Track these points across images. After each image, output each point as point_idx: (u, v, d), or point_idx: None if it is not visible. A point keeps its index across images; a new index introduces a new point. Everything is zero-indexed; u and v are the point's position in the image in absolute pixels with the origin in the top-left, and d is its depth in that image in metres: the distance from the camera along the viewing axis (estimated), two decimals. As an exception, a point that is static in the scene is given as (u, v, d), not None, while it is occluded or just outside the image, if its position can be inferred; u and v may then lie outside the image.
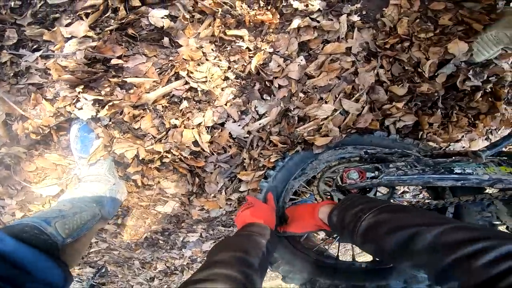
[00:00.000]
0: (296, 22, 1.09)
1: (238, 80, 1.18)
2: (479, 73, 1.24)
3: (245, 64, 1.16)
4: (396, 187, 1.05)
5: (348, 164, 1.15)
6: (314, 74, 1.17)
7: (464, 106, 1.32)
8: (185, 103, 1.16)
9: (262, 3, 1.08)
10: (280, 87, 1.18)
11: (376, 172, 1.03)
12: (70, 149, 1.18)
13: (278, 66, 1.15)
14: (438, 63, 1.21)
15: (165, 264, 1.75)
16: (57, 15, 1.04)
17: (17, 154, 1.24)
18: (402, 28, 1.16)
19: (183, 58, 1.10)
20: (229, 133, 1.22)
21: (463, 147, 1.46)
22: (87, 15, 1.02)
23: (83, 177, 1.15)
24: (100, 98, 1.06)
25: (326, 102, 1.20)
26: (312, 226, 0.99)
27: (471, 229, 0.50)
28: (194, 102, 1.18)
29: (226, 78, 1.17)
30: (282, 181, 1.22)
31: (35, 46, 1.07)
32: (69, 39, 1.03)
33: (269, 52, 1.14)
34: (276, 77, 1.17)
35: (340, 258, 1.12)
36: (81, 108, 1.07)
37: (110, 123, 1.14)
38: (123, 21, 1.02)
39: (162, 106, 1.16)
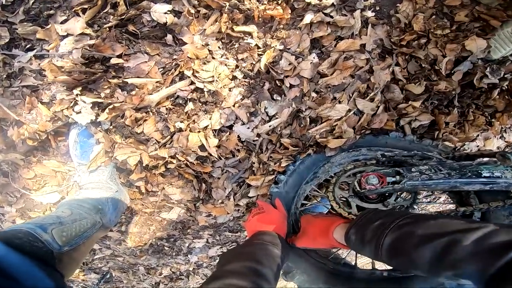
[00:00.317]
0: (308, 17, 0.98)
1: (246, 80, 1.06)
2: (496, 70, 1.15)
3: (254, 62, 1.04)
4: (419, 193, 0.94)
5: (364, 167, 1.03)
6: (327, 73, 1.06)
7: (481, 105, 1.21)
8: (190, 105, 1.04)
9: (272, -3, 0.96)
10: (291, 86, 1.06)
11: (398, 177, 0.92)
12: (69, 155, 1.06)
13: (290, 64, 1.03)
14: (455, 60, 1.11)
15: (170, 270, 1.63)
16: (52, 11, 0.92)
17: (14, 161, 1.12)
18: (418, 25, 1.06)
19: (187, 57, 0.98)
20: (238, 136, 1.10)
21: (478, 146, 1.35)
22: (84, 11, 0.90)
23: (84, 185, 1.04)
24: (100, 100, 0.94)
25: (339, 102, 1.08)
26: (325, 245, 0.90)
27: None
28: (200, 104, 1.06)
29: (234, 78, 1.05)
30: (294, 186, 1.11)
31: (28, 46, 0.96)
32: (64, 37, 0.91)
33: (280, 50, 1.02)
34: (287, 76, 1.05)
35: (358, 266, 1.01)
36: (80, 112, 0.95)
37: (111, 127, 1.02)
38: (123, 17, 0.90)
39: (166, 109, 1.04)
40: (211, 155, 1.10)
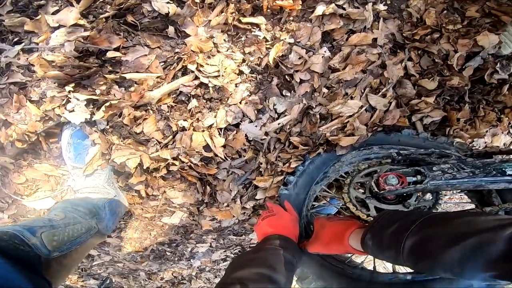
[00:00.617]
0: (320, 9, 0.88)
1: (253, 75, 0.95)
2: (506, 65, 1.10)
3: (262, 56, 0.93)
4: (441, 193, 0.85)
5: (380, 167, 0.94)
6: (339, 67, 0.96)
7: (491, 100, 1.15)
8: (194, 102, 0.93)
9: (282, -15, 0.86)
10: (301, 81, 0.96)
11: (419, 177, 0.83)
12: (62, 157, 0.93)
13: (300, 58, 0.93)
14: (466, 56, 1.04)
15: (172, 274, 1.52)
16: (42, 1, 0.80)
17: (4, 164, 0.99)
18: (431, 19, 1.00)
19: (191, 50, 0.87)
20: (245, 135, 0.99)
21: (485, 142, 1.28)
22: (78, 0, 0.78)
23: (79, 190, 0.92)
24: (95, 98, 0.82)
25: (352, 98, 0.99)
26: (339, 251, 0.82)
27: None
28: (204, 101, 0.95)
29: (241, 73, 0.94)
30: (304, 187, 1.01)
31: (15, 39, 0.83)
32: (56, 28, 0.80)
33: (289, 43, 0.92)
34: (297, 71, 0.95)
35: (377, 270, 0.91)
36: (73, 110, 0.83)
37: (108, 127, 0.89)
38: (121, 6, 0.79)
39: (168, 106, 0.92)
40: (216, 155, 0.99)
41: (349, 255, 1.00)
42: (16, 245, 0.63)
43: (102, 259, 1.35)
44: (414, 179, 0.83)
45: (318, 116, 1.00)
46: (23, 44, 0.82)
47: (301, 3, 0.89)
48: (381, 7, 0.96)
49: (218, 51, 0.91)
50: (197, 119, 0.95)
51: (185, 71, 0.90)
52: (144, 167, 0.93)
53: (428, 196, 0.89)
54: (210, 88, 0.91)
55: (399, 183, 0.83)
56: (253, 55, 0.93)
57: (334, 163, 1.03)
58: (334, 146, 1.01)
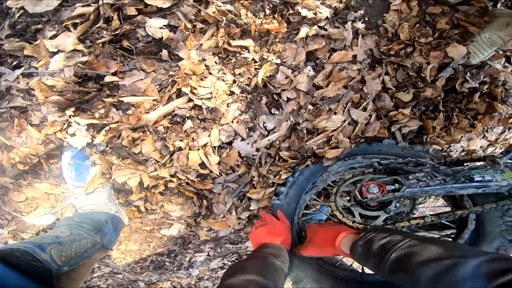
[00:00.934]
0: (304, 31, 0.93)
1: (244, 95, 1.00)
2: (475, 74, 1.16)
3: (251, 77, 0.98)
4: (417, 199, 0.92)
5: (363, 176, 1.00)
6: (322, 85, 1.02)
7: (463, 108, 1.22)
8: (189, 123, 0.97)
9: (268, 11, 0.91)
10: (288, 100, 1.02)
11: (396, 185, 0.90)
12: (62, 177, 0.95)
13: (286, 77, 0.98)
14: (438, 67, 1.11)
15: (172, 284, 1.54)
16: (40, 26, 0.82)
17: (4, 184, 1.00)
18: (404, 34, 1.05)
19: (184, 73, 0.91)
20: (238, 152, 1.03)
21: (462, 147, 1.35)
22: (75, 25, 0.81)
23: (81, 207, 0.94)
24: (95, 122, 0.85)
25: (335, 113, 1.04)
26: (331, 253, 0.88)
27: (507, 259, 0.51)
28: (199, 121, 0.99)
29: (232, 93, 0.99)
30: (295, 197, 1.06)
31: (15, 63, 0.85)
32: (55, 53, 0.82)
33: (276, 63, 0.97)
34: (284, 90, 1.00)
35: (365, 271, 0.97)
36: (74, 134, 0.86)
37: (107, 148, 0.93)
38: (117, 32, 0.82)
39: (164, 127, 0.96)
40: (212, 172, 1.03)
41: (340, 257, 1.06)
42: (28, 261, 0.66)
43: (102, 271, 1.36)
44: (393, 187, 0.89)
45: (305, 131, 1.05)
46: (23, 68, 0.84)
47: (286, 25, 0.94)
48: (360, 25, 1.01)
49: (210, 73, 0.95)
50: (192, 138, 0.99)
51: (179, 94, 0.94)
52: (144, 185, 0.96)
53: (407, 202, 0.95)
54: (204, 109, 0.96)
55: (379, 191, 0.89)
56: (243, 76, 0.98)
57: (321, 174, 1.09)
58: (321, 158, 1.07)
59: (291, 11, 0.92)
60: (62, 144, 0.90)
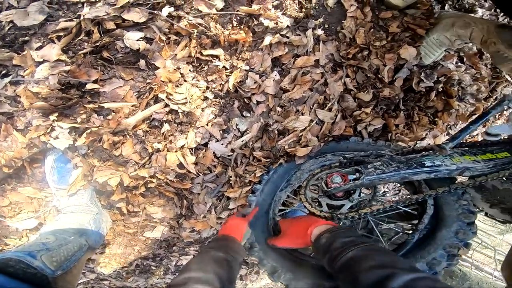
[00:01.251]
0: (268, 39, 1.02)
1: (217, 99, 1.07)
2: (429, 74, 1.24)
3: (223, 83, 1.06)
4: (378, 187, 0.97)
5: (330, 170, 1.05)
6: (289, 88, 1.10)
7: (423, 106, 1.30)
8: (166, 126, 1.02)
9: (235, 23, 1.00)
10: (258, 103, 1.09)
11: (357, 174, 0.96)
12: (45, 181, 0.99)
13: (255, 82, 1.06)
14: (394, 68, 1.19)
15: (158, 289, 1.54)
16: (27, 38, 0.89)
17: (-11, 190, 1.04)
18: (360, 38, 1.13)
19: (161, 80, 0.98)
20: (213, 152, 1.09)
21: (429, 143, 1.43)
22: (59, 38, 0.88)
23: (63, 208, 0.97)
24: (77, 126, 0.91)
25: (302, 114, 1.12)
26: (303, 244, 0.89)
27: (435, 280, 0.55)
28: (176, 125, 1.05)
29: (206, 98, 1.06)
30: (270, 193, 1.11)
31: (3, 72, 0.90)
32: (40, 63, 0.88)
33: (245, 70, 1.05)
34: (253, 94, 1.07)
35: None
36: (57, 137, 0.91)
37: (89, 151, 0.98)
38: (97, 44, 0.89)
39: (143, 131, 1.01)
40: (190, 172, 1.08)
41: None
42: (24, 268, 0.68)
43: (87, 277, 1.36)
44: (354, 176, 0.95)
45: (276, 132, 1.12)
46: (10, 76, 0.89)
47: (252, 35, 1.02)
48: (319, 31, 1.09)
49: (185, 80, 1.02)
50: (170, 141, 1.04)
51: (156, 99, 1.00)
52: (125, 185, 1.01)
53: (367, 191, 1.01)
54: (180, 114, 1.02)
55: (342, 181, 0.95)
56: (215, 82, 1.05)
57: (295, 172, 1.14)
58: (293, 157, 1.13)
59: (255, 22, 1.01)
60: (45, 148, 0.95)
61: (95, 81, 0.91)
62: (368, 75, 1.15)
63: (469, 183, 0.91)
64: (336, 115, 1.16)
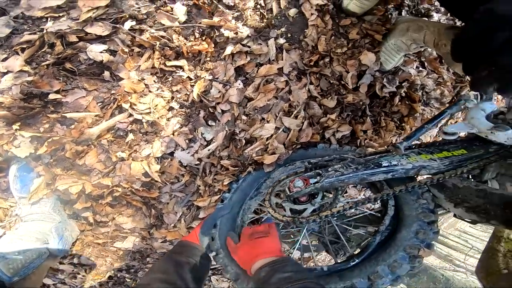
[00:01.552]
0: (229, 49, 1.04)
1: (182, 109, 1.08)
2: (391, 80, 1.24)
3: (188, 93, 1.07)
4: (339, 190, 0.96)
5: (294, 176, 1.05)
6: (253, 96, 1.11)
7: (388, 111, 1.31)
8: (131, 136, 1.03)
9: (197, 35, 1.03)
10: (223, 112, 1.10)
11: (318, 177, 0.94)
12: (10, 191, 0.98)
13: (219, 92, 1.07)
14: (358, 74, 1.19)
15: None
16: None
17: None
18: (322, 46, 1.13)
19: (125, 91, 0.99)
20: (179, 161, 1.09)
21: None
22: (23, 50, 0.89)
23: (25, 216, 0.97)
24: (39, 135, 0.91)
25: (267, 122, 1.12)
26: (248, 271, 0.85)
27: None
28: (141, 134, 1.05)
29: (171, 108, 1.06)
30: (238, 202, 1.11)
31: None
32: (5, 74, 0.89)
33: (209, 79, 1.07)
34: (218, 103, 1.08)
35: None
36: (19, 146, 0.91)
37: (52, 160, 0.97)
38: (60, 56, 0.91)
39: (108, 141, 1.02)
40: (156, 181, 1.08)
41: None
42: None
43: (59, 290, 1.32)
44: (315, 180, 0.94)
45: (243, 140, 1.12)
46: None
47: (214, 46, 1.04)
48: (282, 40, 1.10)
49: (150, 91, 1.04)
50: (135, 150, 1.04)
51: (121, 110, 1.01)
52: (87, 193, 1.00)
53: (330, 194, 0.99)
54: (144, 123, 1.02)
55: (304, 184, 0.94)
56: (180, 92, 1.06)
57: (265, 180, 1.14)
58: (262, 165, 1.12)
59: (217, 33, 1.03)
60: (9, 157, 0.94)
61: (57, 92, 0.92)
62: (332, 81, 1.16)
63: (427, 181, 0.89)
64: (302, 122, 1.17)
